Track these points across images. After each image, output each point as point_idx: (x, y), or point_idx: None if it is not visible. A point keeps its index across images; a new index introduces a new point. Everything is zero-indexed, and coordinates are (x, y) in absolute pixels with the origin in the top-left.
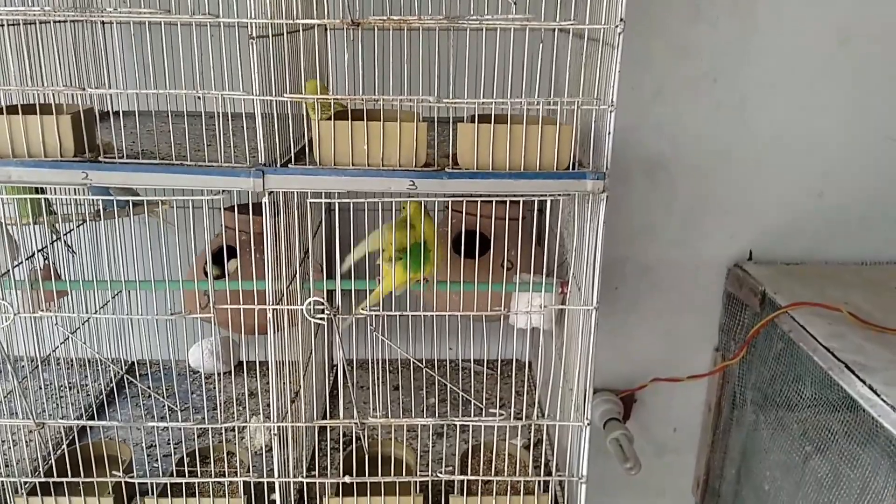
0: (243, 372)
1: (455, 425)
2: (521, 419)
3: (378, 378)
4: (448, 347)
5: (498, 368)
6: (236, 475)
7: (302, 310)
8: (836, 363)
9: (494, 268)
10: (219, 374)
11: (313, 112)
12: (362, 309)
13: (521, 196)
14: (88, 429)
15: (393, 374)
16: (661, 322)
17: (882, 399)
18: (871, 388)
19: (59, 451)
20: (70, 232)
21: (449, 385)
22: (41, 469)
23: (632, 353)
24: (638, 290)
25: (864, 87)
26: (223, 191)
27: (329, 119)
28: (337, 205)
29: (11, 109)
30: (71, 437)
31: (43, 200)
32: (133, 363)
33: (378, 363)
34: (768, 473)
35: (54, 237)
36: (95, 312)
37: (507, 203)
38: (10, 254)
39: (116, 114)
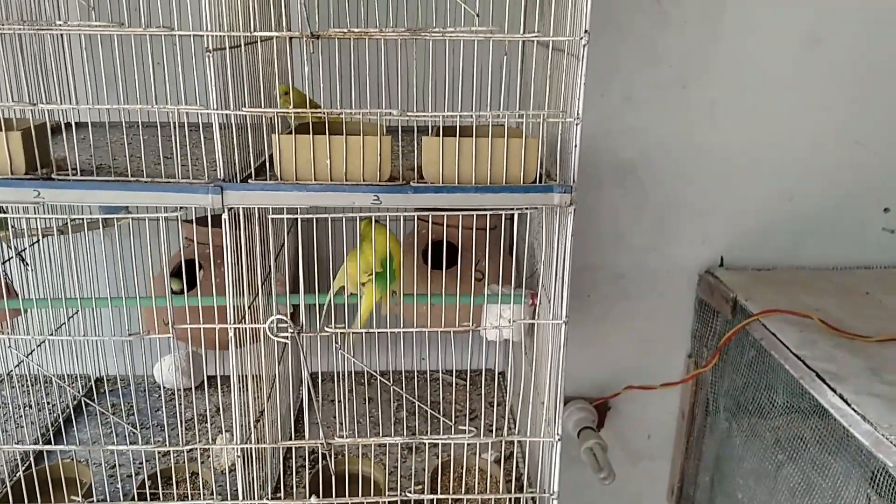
0: (210, 387)
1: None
2: (493, 434)
3: (346, 393)
4: (420, 358)
5: (468, 378)
6: (201, 497)
7: (265, 328)
8: (807, 371)
9: (465, 279)
10: (185, 390)
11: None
12: (325, 324)
13: (488, 210)
14: (46, 451)
15: (363, 386)
16: (633, 329)
17: (852, 408)
18: (841, 396)
19: (17, 475)
20: (24, 250)
21: (417, 404)
22: None
23: (605, 360)
24: (610, 297)
25: (833, 91)
26: (180, 207)
27: (288, 130)
28: (298, 220)
29: None
30: (27, 463)
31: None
32: (97, 378)
33: (346, 377)
34: (741, 481)
35: (9, 254)
36: (51, 334)
37: (474, 214)
38: None
39: (70, 126)
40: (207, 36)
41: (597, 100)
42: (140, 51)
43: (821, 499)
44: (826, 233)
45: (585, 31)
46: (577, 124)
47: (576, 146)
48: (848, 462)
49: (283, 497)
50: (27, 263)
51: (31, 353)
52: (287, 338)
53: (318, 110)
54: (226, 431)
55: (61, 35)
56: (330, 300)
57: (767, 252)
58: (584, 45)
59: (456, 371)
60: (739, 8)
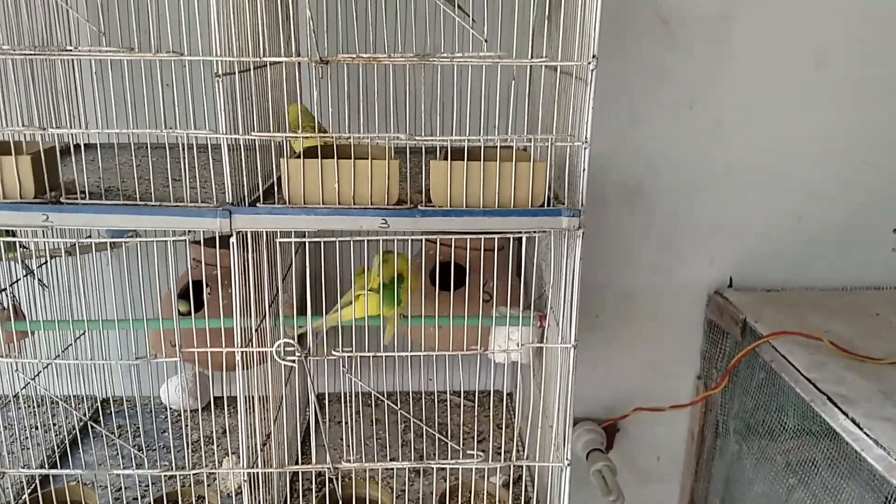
0: (217, 408)
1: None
2: (501, 458)
3: (353, 415)
4: (427, 379)
5: (476, 400)
6: None
7: (272, 352)
8: (818, 395)
9: (472, 300)
10: (191, 411)
11: (295, 142)
12: (332, 347)
13: (496, 233)
14: (52, 475)
15: (370, 408)
16: (642, 350)
17: (864, 432)
18: (853, 420)
19: (22, 498)
20: (32, 271)
21: (425, 427)
22: None
23: (613, 381)
24: (618, 317)
25: (840, 111)
26: (189, 231)
27: (306, 150)
28: (307, 244)
29: None
30: (33, 486)
31: (7, 240)
32: (105, 399)
33: (353, 399)
34: None
35: (24, 273)
36: (57, 356)
37: (482, 236)
38: None
39: (79, 148)
40: (217, 61)
41: (604, 120)
42: (150, 75)
43: None
44: (835, 253)
45: (594, 56)
46: (585, 148)
47: (584, 170)
48: (860, 486)
49: None
50: (45, 285)
51: (37, 375)
52: (293, 362)
53: (327, 135)
54: (232, 454)
55: (71, 60)
56: (338, 323)
57: (776, 272)
58: (593, 70)
59: (463, 392)
60: (747, 28)
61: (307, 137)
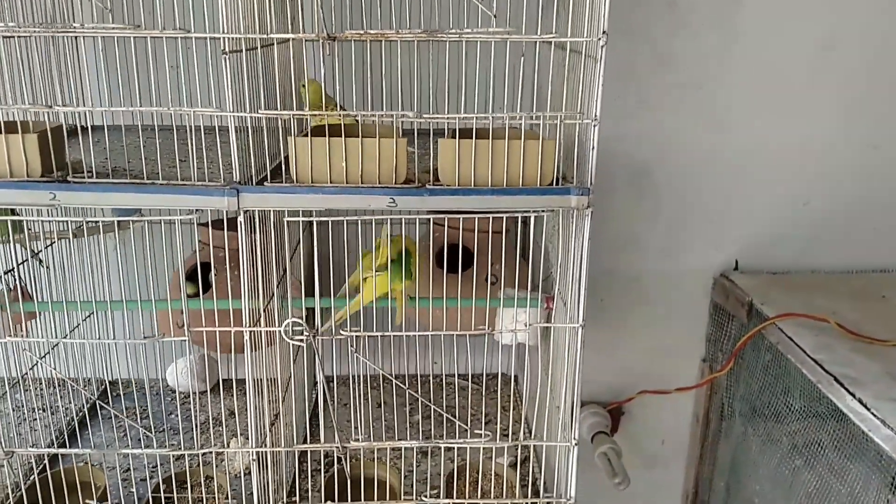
0: (224, 390)
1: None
2: (508, 438)
3: (361, 397)
4: (433, 362)
5: (483, 383)
6: (215, 501)
7: (280, 331)
8: (825, 376)
9: (479, 282)
10: (198, 393)
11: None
12: (339, 324)
13: (504, 212)
14: (61, 455)
15: (377, 390)
16: (647, 333)
17: (872, 413)
18: (860, 401)
19: (31, 478)
20: (40, 252)
21: (432, 407)
22: (12, 498)
23: (619, 364)
24: (624, 301)
25: (848, 95)
26: (197, 210)
27: (304, 131)
28: (315, 222)
29: None
30: (42, 465)
31: (14, 219)
32: (111, 381)
33: (361, 380)
34: (758, 487)
35: (25, 256)
36: (65, 336)
37: (490, 216)
38: None
39: (86, 129)
40: (224, 38)
41: (611, 102)
42: (155, 53)
43: None
44: (841, 236)
45: (603, 32)
46: (594, 126)
47: (593, 148)
48: (867, 467)
49: (298, 501)
50: (46, 266)
51: (45, 355)
52: (302, 341)
53: (335, 112)
54: (240, 435)
55: (75, 37)
56: (345, 301)
57: (782, 256)
58: (602, 47)
59: (468, 375)
60: (754, 11)
61: (316, 115)
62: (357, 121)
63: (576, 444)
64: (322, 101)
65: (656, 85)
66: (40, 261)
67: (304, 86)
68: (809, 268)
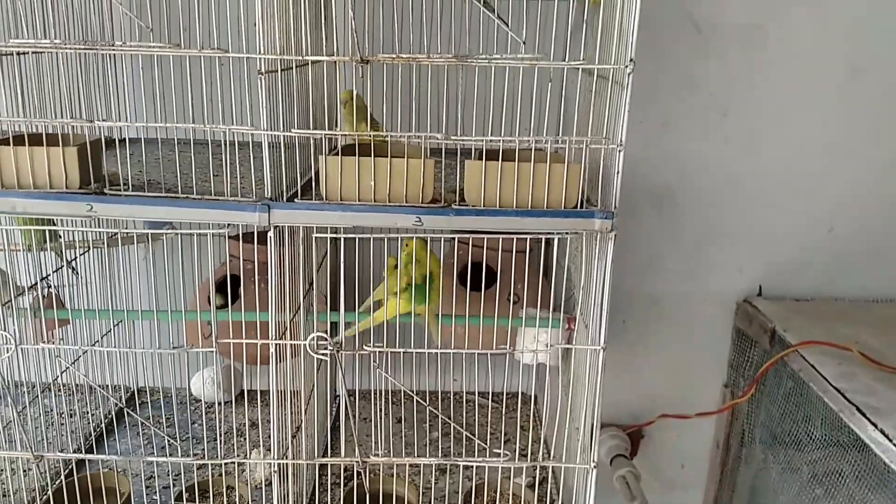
0: (246, 401)
1: (459, 463)
2: (527, 458)
3: (381, 412)
4: (453, 379)
5: (503, 402)
6: None
7: (305, 345)
8: (847, 405)
9: (501, 301)
10: (221, 404)
11: (348, 122)
12: (363, 342)
13: (529, 234)
14: (88, 459)
15: (396, 405)
16: (669, 356)
17: (894, 444)
18: (882, 432)
19: (57, 482)
20: (75, 259)
21: (452, 424)
22: (39, 501)
23: (639, 387)
24: (646, 323)
25: (874, 121)
26: (229, 224)
27: (335, 150)
28: (342, 239)
29: (18, 140)
30: (69, 469)
31: (52, 229)
32: (137, 390)
33: (381, 395)
34: None
35: (59, 264)
36: (94, 343)
37: (515, 237)
38: (3, 289)
39: (123, 142)
40: (260, 59)
41: (635, 125)
42: (191, 71)
43: None
44: (866, 264)
45: (631, 60)
46: (619, 151)
47: (618, 172)
48: (889, 499)
49: None
50: (76, 271)
51: (75, 361)
52: (326, 355)
53: (366, 133)
54: (261, 446)
55: (113, 55)
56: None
57: (806, 282)
58: (630, 74)
59: (488, 393)
60: (781, 36)
61: (348, 135)
62: (386, 141)
63: (595, 467)
64: (364, 111)
65: (681, 108)
66: (73, 269)
67: (345, 100)
68: (833, 295)
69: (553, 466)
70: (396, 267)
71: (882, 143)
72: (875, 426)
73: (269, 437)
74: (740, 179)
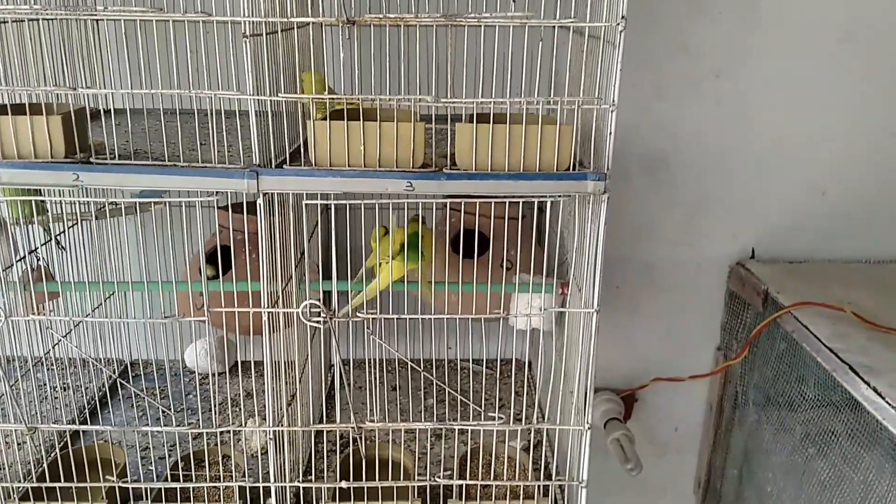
0: (240, 371)
1: (454, 428)
2: (521, 422)
3: (375, 379)
4: (447, 347)
5: (497, 368)
6: (232, 479)
7: (298, 313)
8: (840, 364)
9: (494, 268)
10: (215, 375)
11: (313, 108)
12: (357, 309)
13: (521, 197)
14: (82, 431)
15: (391, 374)
16: (662, 321)
17: (887, 402)
18: (875, 390)
19: (53, 454)
20: (62, 232)
21: (447, 390)
22: (34, 473)
23: (633, 351)
24: (639, 288)
25: (867, 84)
26: (217, 192)
27: (325, 117)
28: (333, 205)
29: (1, 109)
30: (64, 441)
31: (37, 201)
32: (130, 363)
33: (375, 364)
34: (770, 475)
35: (47, 237)
36: (87, 315)
37: (507, 202)
38: (9, 254)
39: (109, 112)
40: (245, 21)
41: (628, 90)
42: (175, 35)
43: (851, 492)
44: (859, 226)
45: (622, 17)
46: (612, 111)
47: (610, 133)
48: (881, 456)
49: (313, 480)
50: (63, 247)
51: (67, 333)
52: (319, 322)
53: (354, 97)
54: (256, 415)
55: (96, 20)
56: (362, 284)
57: (799, 245)
58: (621, 32)
59: (482, 360)
60: (773, 0)
61: (334, 99)
62: (375, 105)
63: (589, 428)
64: (325, 91)
65: (674, 73)
66: (58, 243)
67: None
68: (826, 257)
69: (548, 429)
70: (387, 234)
71: (874, 107)
72: (868, 384)
73: (265, 406)
74: (733, 143)
